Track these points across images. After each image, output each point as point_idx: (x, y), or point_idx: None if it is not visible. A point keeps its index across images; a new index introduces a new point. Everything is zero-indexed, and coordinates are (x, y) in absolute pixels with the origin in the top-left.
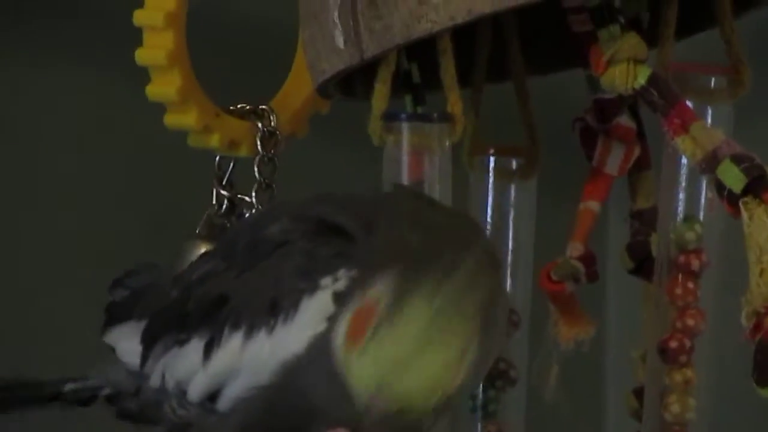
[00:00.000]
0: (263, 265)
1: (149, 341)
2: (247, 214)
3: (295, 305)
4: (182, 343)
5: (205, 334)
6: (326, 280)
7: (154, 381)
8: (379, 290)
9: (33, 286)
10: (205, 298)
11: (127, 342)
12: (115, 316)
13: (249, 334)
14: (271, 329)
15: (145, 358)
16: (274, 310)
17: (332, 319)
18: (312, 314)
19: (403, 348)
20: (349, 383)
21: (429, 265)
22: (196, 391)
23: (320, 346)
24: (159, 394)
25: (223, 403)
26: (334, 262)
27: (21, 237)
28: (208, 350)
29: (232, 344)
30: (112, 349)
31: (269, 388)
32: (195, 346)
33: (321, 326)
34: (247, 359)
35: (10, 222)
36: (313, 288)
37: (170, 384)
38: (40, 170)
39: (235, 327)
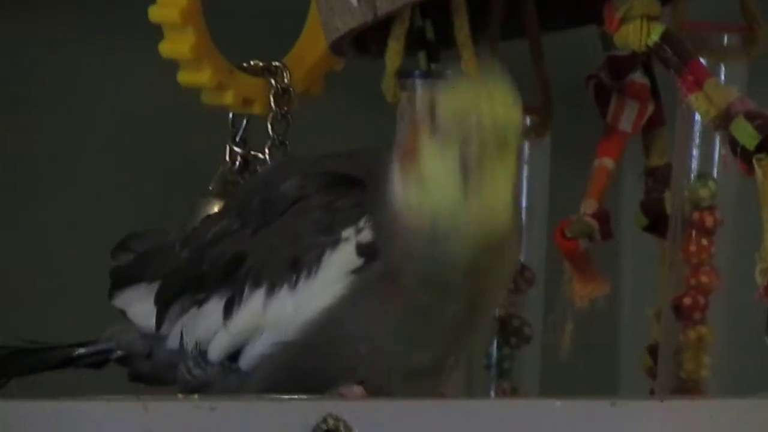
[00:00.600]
0: (280, 222)
1: (165, 302)
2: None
3: (317, 260)
4: (201, 303)
5: (225, 293)
6: (348, 232)
7: (172, 342)
8: (422, 106)
9: (49, 245)
10: (221, 257)
11: (139, 304)
12: (122, 279)
13: (271, 291)
14: (293, 285)
15: (160, 319)
16: (296, 266)
17: (357, 271)
18: (336, 269)
19: (467, 102)
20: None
21: None
22: (216, 350)
23: (360, 298)
24: (174, 354)
25: (245, 362)
26: (354, 211)
27: (40, 188)
28: (229, 309)
29: (254, 302)
30: (122, 312)
31: (294, 345)
32: (215, 306)
33: (347, 278)
34: (270, 317)
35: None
36: (335, 241)
37: (189, 344)
38: (57, 127)
39: (256, 284)
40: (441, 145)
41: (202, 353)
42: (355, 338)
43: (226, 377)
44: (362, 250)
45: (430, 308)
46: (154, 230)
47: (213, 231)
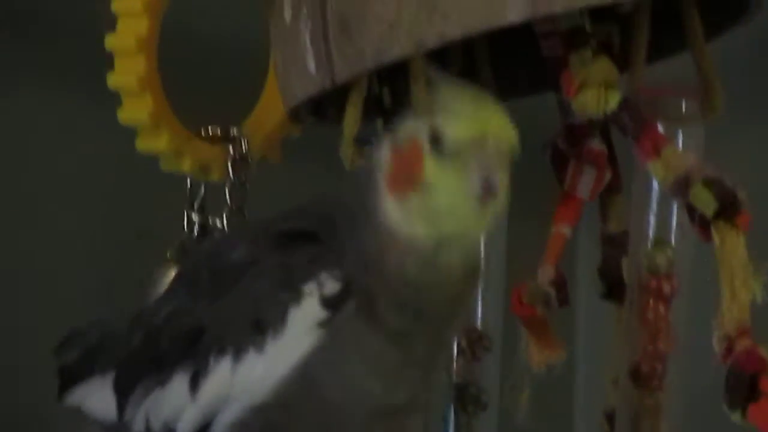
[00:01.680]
0: (236, 290)
1: (125, 389)
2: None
3: (282, 317)
4: (164, 382)
5: (189, 367)
6: (310, 286)
7: (138, 427)
8: (414, 132)
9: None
10: (178, 333)
11: (96, 396)
12: (72, 376)
13: (237, 356)
14: (260, 347)
15: (122, 407)
16: (260, 327)
17: (324, 324)
18: (303, 323)
19: (475, 124)
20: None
21: None
22: (186, 427)
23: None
24: None
25: None
26: (312, 267)
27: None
28: (195, 382)
29: (221, 370)
30: (77, 410)
31: (266, 408)
32: (179, 382)
33: (314, 333)
34: (240, 382)
35: None
36: (297, 296)
37: (156, 427)
38: (11, 192)
39: (221, 353)
40: (452, 168)
41: None
42: (331, 388)
43: None
44: (327, 302)
45: (408, 338)
46: (96, 321)
47: (165, 311)
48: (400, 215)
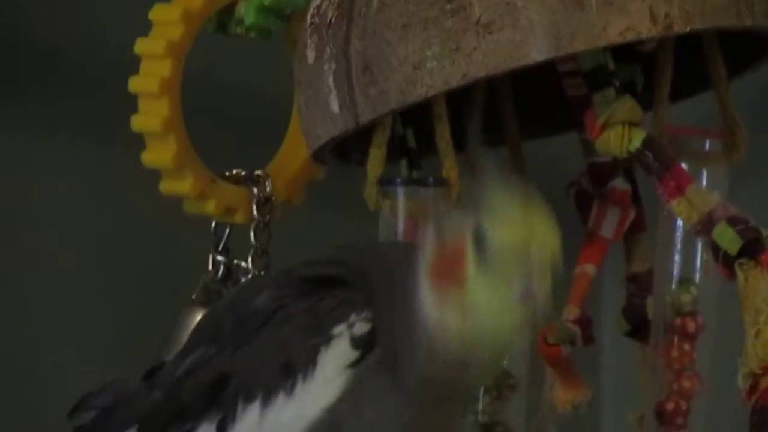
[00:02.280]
0: (261, 336)
1: None
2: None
3: (312, 360)
4: None
5: (215, 416)
6: (339, 328)
7: None
8: (460, 232)
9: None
10: (202, 383)
11: None
12: None
13: (266, 401)
14: (289, 391)
15: None
16: (289, 371)
17: (355, 365)
18: (334, 364)
19: (519, 231)
20: (453, 332)
21: None
22: None
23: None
24: None
25: None
26: (341, 309)
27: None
28: (222, 430)
29: (249, 417)
30: None
31: None
32: (205, 431)
33: (345, 374)
34: (269, 427)
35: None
36: (327, 339)
37: None
38: (35, 238)
39: (249, 399)
40: (493, 272)
41: None
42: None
43: None
44: (357, 342)
45: (429, 408)
46: (111, 383)
47: (185, 364)
48: (437, 305)
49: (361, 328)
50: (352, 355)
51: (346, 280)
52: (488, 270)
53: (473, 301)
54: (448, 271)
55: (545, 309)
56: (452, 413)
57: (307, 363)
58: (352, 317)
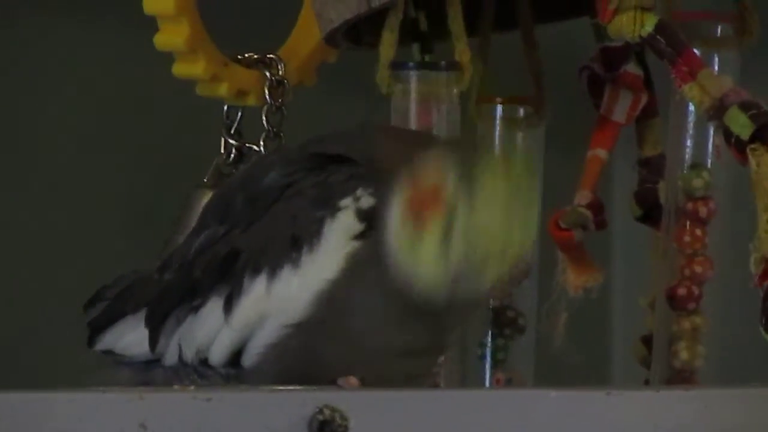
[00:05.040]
0: (271, 211)
1: (157, 321)
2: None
3: (317, 232)
4: (197, 308)
5: (223, 290)
6: (346, 201)
7: (170, 358)
8: (437, 169)
9: (36, 243)
10: (212, 260)
11: (128, 335)
12: (102, 321)
13: (272, 274)
14: (296, 263)
15: (154, 339)
16: (296, 243)
17: (361, 238)
18: (338, 236)
19: (487, 228)
20: (424, 273)
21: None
22: (219, 352)
23: (361, 268)
24: (173, 374)
25: (248, 358)
26: (349, 183)
27: (29, 181)
28: (229, 303)
29: (256, 290)
30: (108, 352)
31: (299, 327)
32: (213, 306)
33: (350, 247)
34: (275, 300)
35: (19, 168)
36: (333, 211)
37: (189, 355)
38: (48, 121)
39: (256, 272)
40: (448, 242)
41: (202, 361)
42: (357, 312)
43: (230, 383)
44: (362, 215)
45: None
46: (124, 275)
47: (197, 243)
48: (401, 237)
49: (368, 201)
50: (358, 227)
51: (354, 158)
52: (444, 237)
53: (422, 250)
54: (419, 212)
55: (485, 290)
56: (440, 331)
57: (313, 234)
58: (359, 191)
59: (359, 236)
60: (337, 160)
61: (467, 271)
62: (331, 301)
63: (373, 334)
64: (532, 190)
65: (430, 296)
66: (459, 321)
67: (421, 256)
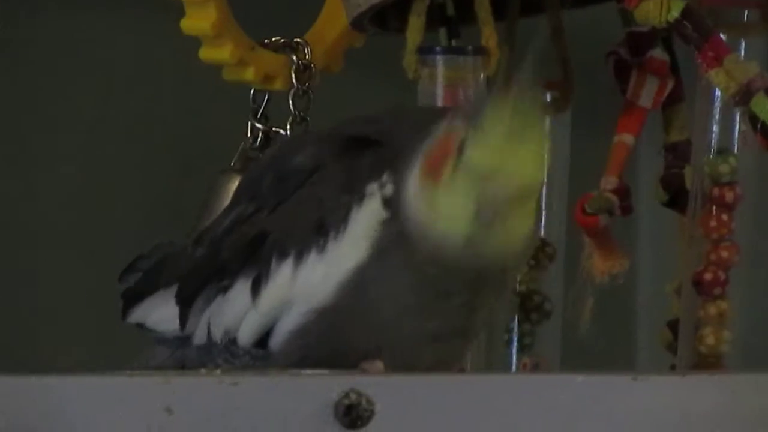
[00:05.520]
0: (299, 194)
1: (187, 299)
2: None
3: (344, 219)
4: (226, 289)
5: (251, 273)
6: (372, 187)
7: (199, 337)
8: (450, 126)
9: (67, 225)
10: (241, 241)
11: (160, 310)
12: (135, 294)
13: (299, 259)
14: (321, 249)
15: (184, 317)
16: (322, 229)
17: (387, 223)
18: (364, 223)
19: (494, 157)
20: (444, 222)
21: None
22: (247, 333)
23: (386, 255)
24: (203, 352)
25: (276, 341)
26: (375, 168)
27: (57, 169)
28: (257, 287)
29: (282, 274)
30: (140, 326)
31: (325, 312)
32: (241, 288)
33: (376, 234)
34: (300, 285)
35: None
36: (359, 197)
37: (217, 335)
38: (78, 104)
39: (283, 256)
40: (462, 183)
41: (231, 341)
42: (383, 299)
43: (259, 363)
44: (388, 201)
45: (438, 282)
46: (158, 245)
47: (226, 222)
48: (419, 197)
49: (391, 189)
50: (383, 213)
51: (383, 141)
52: (458, 181)
53: (441, 198)
54: (433, 167)
55: (510, 236)
56: (468, 314)
57: (339, 221)
58: (385, 176)
59: (385, 222)
60: (365, 143)
61: (489, 216)
62: (357, 288)
63: (400, 320)
64: (540, 127)
65: (457, 253)
66: (490, 294)
67: (442, 208)
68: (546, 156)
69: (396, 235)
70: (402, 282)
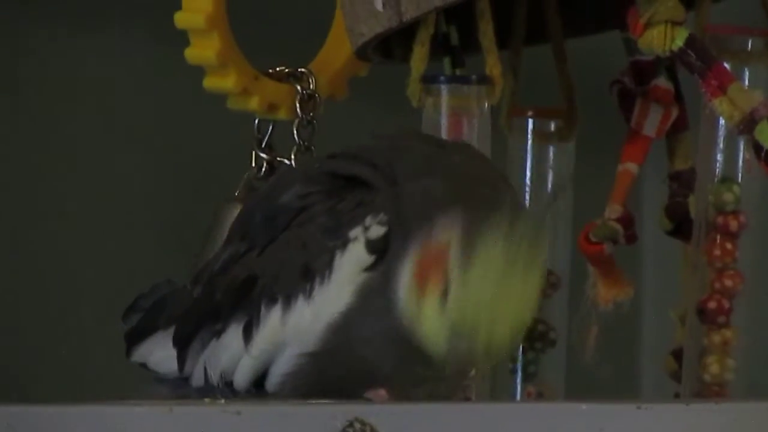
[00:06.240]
0: (285, 236)
1: (184, 341)
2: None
3: (329, 264)
4: (219, 333)
5: (242, 318)
6: (355, 231)
7: (197, 380)
8: (446, 234)
9: (69, 253)
10: (232, 284)
11: (159, 351)
12: (137, 334)
13: (287, 305)
14: (308, 294)
15: (182, 359)
16: (308, 274)
17: (372, 269)
18: (349, 269)
19: (487, 287)
20: (424, 331)
21: (474, 205)
22: (242, 378)
23: (370, 299)
24: (202, 393)
25: (271, 384)
26: (358, 211)
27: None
28: (248, 332)
29: (272, 320)
30: (143, 365)
31: (316, 355)
32: (233, 333)
33: (360, 278)
34: (290, 330)
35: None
36: (343, 243)
37: (214, 378)
38: (79, 134)
39: (271, 302)
40: (445, 316)
41: (227, 384)
42: (368, 341)
43: None
44: (372, 246)
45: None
46: (160, 284)
47: (221, 260)
48: (412, 297)
49: (377, 231)
50: (368, 259)
51: (374, 183)
52: (442, 310)
53: (424, 315)
54: (422, 277)
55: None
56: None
57: (324, 267)
58: (368, 220)
59: (369, 267)
60: (352, 181)
61: (463, 336)
62: (343, 331)
63: (385, 362)
64: (536, 268)
65: (429, 350)
66: (456, 378)
67: (423, 315)
68: (537, 299)
69: (381, 279)
70: (386, 325)
